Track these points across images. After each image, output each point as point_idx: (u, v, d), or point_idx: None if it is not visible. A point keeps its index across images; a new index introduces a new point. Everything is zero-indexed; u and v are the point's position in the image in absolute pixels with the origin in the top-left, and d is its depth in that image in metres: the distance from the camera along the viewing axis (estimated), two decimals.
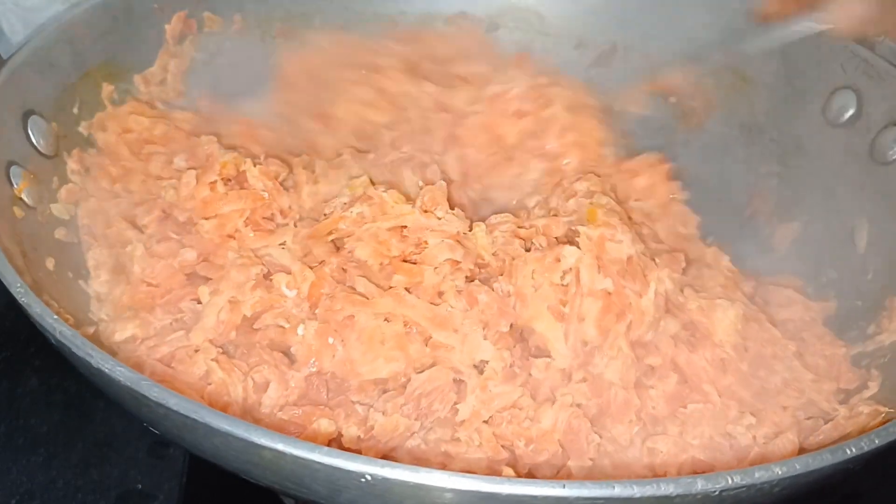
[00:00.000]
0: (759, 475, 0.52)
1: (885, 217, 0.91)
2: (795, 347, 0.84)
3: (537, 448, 0.72)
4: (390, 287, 0.77)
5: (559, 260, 0.78)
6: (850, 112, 0.95)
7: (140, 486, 0.82)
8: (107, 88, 0.95)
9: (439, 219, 0.81)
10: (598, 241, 0.79)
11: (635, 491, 0.51)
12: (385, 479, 0.51)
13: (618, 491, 0.51)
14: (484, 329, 0.76)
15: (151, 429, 0.66)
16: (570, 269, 0.78)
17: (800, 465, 0.53)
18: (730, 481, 0.52)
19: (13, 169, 0.80)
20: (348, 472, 0.52)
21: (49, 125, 0.87)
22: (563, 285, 0.78)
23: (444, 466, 0.70)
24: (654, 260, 0.81)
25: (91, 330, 0.78)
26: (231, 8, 1.08)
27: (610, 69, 1.14)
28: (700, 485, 0.51)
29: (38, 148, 0.85)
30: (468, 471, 0.57)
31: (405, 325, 0.75)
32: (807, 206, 1.00)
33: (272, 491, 0.79)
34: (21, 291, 0.64)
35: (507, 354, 0.75)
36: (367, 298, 0.76)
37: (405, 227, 0.81)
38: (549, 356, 0.77)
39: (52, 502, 0.80)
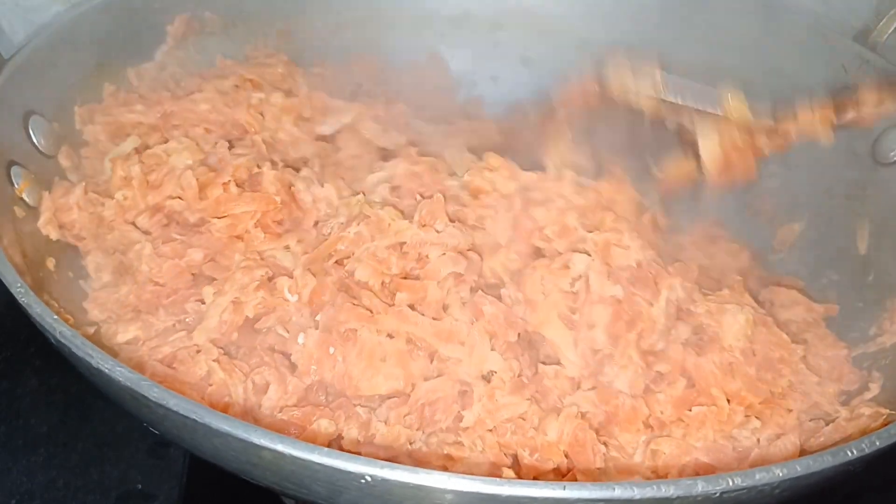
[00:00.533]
0: (760, 477, 0.52)
1: (886, 218, 0.91)
2: (803, 351, 0.84)
3: (542, 458, 0.71)
4: (393, 305, 0.77)
5: (568, 267, 0.78)
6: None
7: (140, 486, 0.83)
8: (108, 88, 0.95)
9: (438, 232, 0.80)
10: (604, 245, 0.78)
11: (635, 493, 0.51)
12: (385, 481, 0.51)
13: (618, 493, 0.51)
14: (491, 339, 0.75)
15: (152, 429, 0.66)
16: (580, 276, 0.77)
17: (801, 467, 0.53)
18: (730, 483, 0.52)
19: (14, 169, 0.80)
20: (348, 472, 0.51)
21: (50, 125, 0.87)
22: (572, 292, 0.78)
23: (445, 469, 0.70)
24: (666, 269, 0.81)
25: (91, 330, 0.78)
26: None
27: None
28: (700, 486, 0.51)
29: (39, 148, 0.85)
30: (470, 474, 0.57)
31: (409, 342, 0.75)
32: (808, 208, 1.00)
33: (272, 491, 0.79)
34: (21, 291, 0.64)
35: (516, 364, 0.75)
36: (371, 312, 0.76)
37: (404, 243, 0.80)
38: (559, 364, 0.77)
39: (52, 502, 0.81)
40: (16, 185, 0.80)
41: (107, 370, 0.57)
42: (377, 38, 1.16)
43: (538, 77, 1.18)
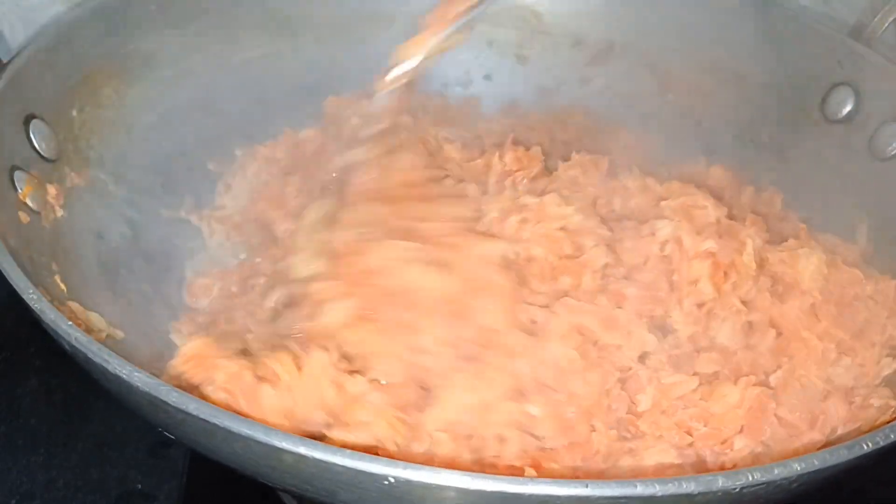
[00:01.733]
0: (779, 472, 0.53)
1: (884, 213, 0.91)
2: (872, 287, 0.86)
3: (717, 429, 0.72)
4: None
5: (654, 233, 0.79)
6: (848, 108, 0.95)
7: (140, 486, 0.83)
8: (106, 90, 0.94)
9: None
10: (681, 208, 0.80)
11: (657, 489, 0.51)
12: (408, 482, 0.51)
13: (640, 490, 0.51)
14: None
15: (167, 434, 0.65)
16: (667, 240, 0.79)
17: (818, 461, 0.54)
18: (750, 478, 0.52)
19: (17, 174, 0.79)
20: (371, 474, 0.51)
21: (50, 128, 0.85)
22: (664, 255, 0.80)
23: (636, 467, 0.71)
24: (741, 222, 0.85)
25: (103, 335, 0.77)
26: None
27: (607, 67, 1.15)
28: (721, 482, 0.52)
29: (41, 152, 0.83)
30: (660, 469, 0.59)
31: (580, 334, 0.76)
32: (805, 204, 1.01)
33: (272, 490, 0.79)
34: (34, 298, 0.63)
35: (667, 345, 0.77)
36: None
37: (565, 228, 0.82)
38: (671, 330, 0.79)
39: (52, 502, 0.81)
40: (19, 190, 0.79)
41: (124, 376, 0.57)
42: (371, 37, 1.16)
43: (533, 75, 1.19)
